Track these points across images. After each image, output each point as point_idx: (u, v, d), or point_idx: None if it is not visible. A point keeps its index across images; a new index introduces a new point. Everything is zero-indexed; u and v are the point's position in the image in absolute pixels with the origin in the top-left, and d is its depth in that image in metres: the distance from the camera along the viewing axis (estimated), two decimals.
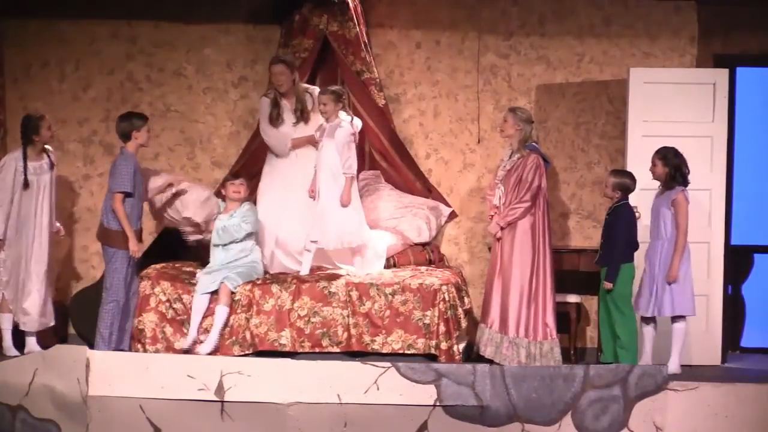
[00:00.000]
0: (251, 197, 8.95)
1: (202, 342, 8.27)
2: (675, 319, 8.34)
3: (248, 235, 8.55)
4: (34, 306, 8.62)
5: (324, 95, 8.55)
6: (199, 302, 8.33)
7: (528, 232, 8.39)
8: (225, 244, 8.50)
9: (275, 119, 8.79)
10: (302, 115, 8.81)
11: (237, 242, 8.51)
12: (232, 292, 8.33)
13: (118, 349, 8.36)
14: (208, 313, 8.34)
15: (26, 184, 8.56)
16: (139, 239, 8.49)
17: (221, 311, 8.29)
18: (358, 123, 8.72)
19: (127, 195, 8.26)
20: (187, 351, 8.23)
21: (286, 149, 8.82)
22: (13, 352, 8.53)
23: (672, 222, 8.27)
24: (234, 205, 8.61)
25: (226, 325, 8.31)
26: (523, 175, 8.39)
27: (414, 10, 9.77)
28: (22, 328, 8.64)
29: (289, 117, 8.81)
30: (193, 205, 8.60)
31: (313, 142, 8.75)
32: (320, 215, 8.56)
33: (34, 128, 8.60)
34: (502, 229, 8.44)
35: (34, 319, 8.62)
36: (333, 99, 8.52)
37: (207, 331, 8.30)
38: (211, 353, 8.21)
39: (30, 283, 8.62)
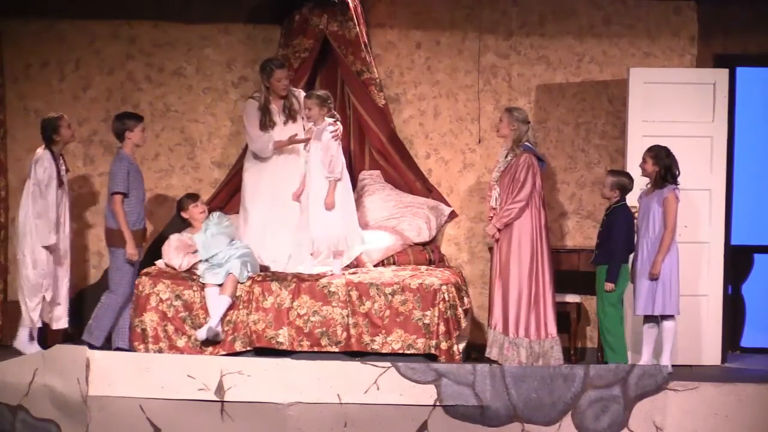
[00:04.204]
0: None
1: (220, 332, 8.35)
2: (664, 318, 8.34)
3: (232, 239, 8.71)
4: (65, 305, 8.67)
5: (309, 99, 8.60)
6: (212, 295, 8.37)
7: (525, 232, 8.38)
8: (213, 256, 8.58)
9: (267, 124, 8.85)
10: (290, 114, 8.84)
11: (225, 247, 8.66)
12: (240, 283, 8.38)
13: (117, 347, 8.39)
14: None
15: (60, 182, 8.54)
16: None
17: (225, 301, 8.34)
18: (340, 126, 8.77)
19: (124, 195, 8.32)
20: (206, 341, 8.31)
21: (269, 151, 8.86)
22: (34, 348, 8.53)
23: (661, 220, 8.27)
24: (199, 223, 8.79)
25: (225, 316, 8.36)
26: (516, 175, 8.39)
27: (414, 10, 9.76)
28: (55, 327, 8.67)
29: (278, 119, 8.86)
30: (167, 252, 8.74)
31: (294, 141, 8.78)
32: (309, 217, 8.58)
33: (54, 128, 8.55)
34: (499, 230, 8.44)
35: (65, 318, 8.69)
36: (318, 103, 8.56)
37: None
38: (209, 339, 8.28)
39: (65, 283, 8.64)
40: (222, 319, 8.35)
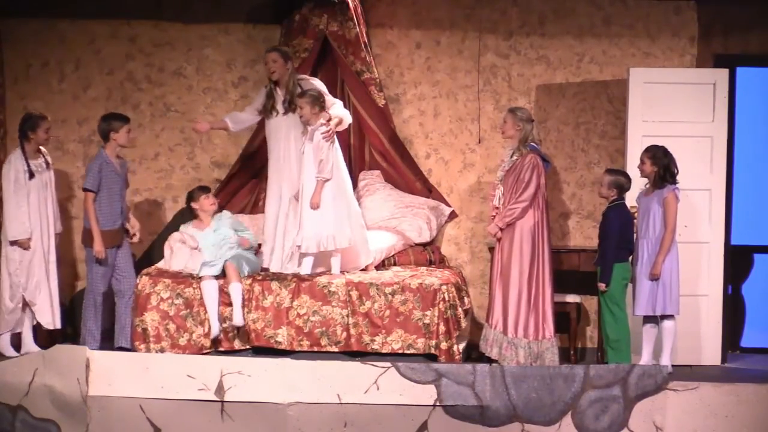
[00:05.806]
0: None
1: (228, 325, 8.34)
2: (664, 318, 8.34)
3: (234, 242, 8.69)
4: (53, 305, 8.61)
5: (300, 99, 8.60)
6: (209, 290, 8.34)
7: (527, 233, 8.38)
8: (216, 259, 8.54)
9: (269, 110, 8.85)
10: (290, 106, 8.80)
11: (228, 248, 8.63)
12: (242, 277, 8.38)
13: (119, 347, 8.39)
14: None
15: (31, 174, 8.50)
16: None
17: (235, 288, 8.31)
18: (346, 120, 8.74)
19: (95, 193, 8.31)
20: (215, 339, 8.31)
21: (239, 128, 9.06)
22: (34, 348, 8.50)
23: (661, 220, 8.26)
24: (207, 217, 8.72)
25: (244, 299, 8.33)
26: (520, 175, 8.39)
27: (414, 10, 9.77)
28: (47, 327, 8.64)
29: (280, 107, 8.85)
30: (168, 252, 8.84)
31: (222, 126, 8.94)
32: (301, 217, 8.59)
33: (32, 125, 8.54)
34: (501, 230, 8.44)
35: (50, 319, 8.63)
36: (309, 102, 8.55)
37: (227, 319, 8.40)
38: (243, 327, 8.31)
39: (47, 282, 8.59)
40: (221, 317, 8.34)
